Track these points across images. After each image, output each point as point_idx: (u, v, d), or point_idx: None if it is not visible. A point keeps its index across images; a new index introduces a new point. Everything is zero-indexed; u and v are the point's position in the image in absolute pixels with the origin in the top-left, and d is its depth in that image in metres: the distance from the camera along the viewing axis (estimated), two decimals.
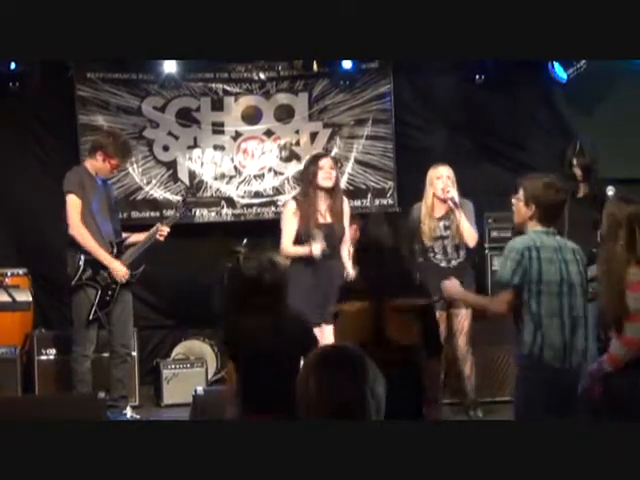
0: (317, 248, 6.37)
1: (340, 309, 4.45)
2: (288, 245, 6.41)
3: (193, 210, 7.99)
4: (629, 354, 4.51)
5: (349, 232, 8.16)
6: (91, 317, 6.65)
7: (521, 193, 4.73)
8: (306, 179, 6.53)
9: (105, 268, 6.68)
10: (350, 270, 6.74)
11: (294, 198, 6.70)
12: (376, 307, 4.32)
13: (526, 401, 4.61)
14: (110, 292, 6.72)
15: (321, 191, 6.47)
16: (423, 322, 4.43)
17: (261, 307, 4.52)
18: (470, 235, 6.71)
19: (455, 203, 6.64)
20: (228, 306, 4.67)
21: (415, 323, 4.38)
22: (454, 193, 6.64)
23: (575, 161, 6.97)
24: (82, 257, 6.63)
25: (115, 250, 6.75)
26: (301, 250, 6.37)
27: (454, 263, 6.75)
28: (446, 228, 6.74)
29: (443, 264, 6.74)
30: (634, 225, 4.57)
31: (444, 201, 6.71)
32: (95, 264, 6.65)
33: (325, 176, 6.44)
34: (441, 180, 6.70)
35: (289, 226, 6.44)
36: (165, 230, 6.89)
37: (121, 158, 6.85)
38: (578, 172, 6.95)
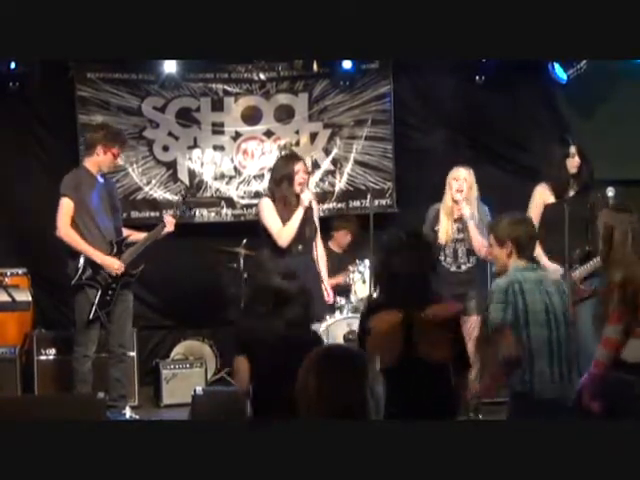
0: (307, 195, 6.42)
1: (372, 326, 4.33)
2: (281, 228, 6.41)
3: (193, 210, 7.99)
4: (609, 355, 4.54)
5: (339, 236, 8.17)
6: (91, 317, 6.66)
7: (492, 239, 4.81)
8: (280, 181, 6.52)
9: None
10: (325, 278, 6.76)
11: (266, 195, 6.71)
12: (407, 322, 4.25)
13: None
14: (110, 292, 6.73)
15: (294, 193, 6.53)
16: (452, 338, 4.38)
17: (280, 314, 4.53)
18: (479, 244, 6.63)
19: (466, 217, 6.62)
20: (246, 310, 4.69)
21: (445, 339, 4.34)
22: (466, 210, 6.62)
23: (570, 164, 6.95)
24: (82, 258, 6.66)
25: (115, 249, 6.77)
26: (294, 219, 6.37)
27: (464, 268, 6.73)
28: (459, 231, 6.73)
29: (453, 268, 6.72)
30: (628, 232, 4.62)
31: (457, 203, 6.71)
32: (95, 264, 6.67)
33: (300, 181, 6.46)
34: (458, 182, 6.68)
35: (272, 216, 6.47)
36: (172, 220, 6.92)
37: (120, 144, 6.91)
38: (572, 170, 6.93)
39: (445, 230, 6.71)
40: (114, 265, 6.71)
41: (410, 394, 3.74)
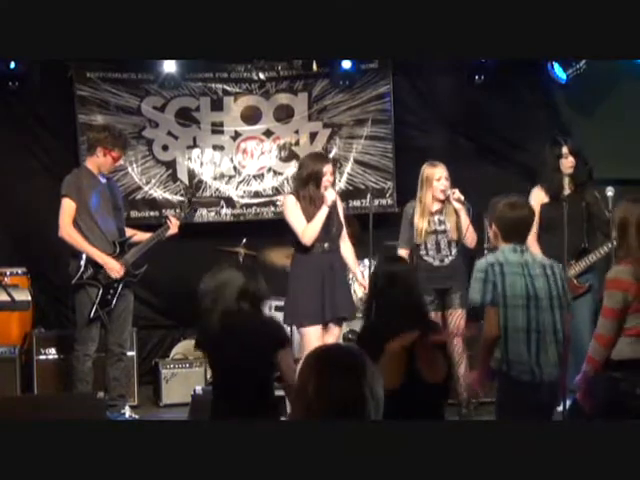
0: (330, 194, 6.39)
1: (387, 348, 4.30)
2: (305, 227, 6.40)
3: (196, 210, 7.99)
4: (602, 352, 4.54)
5: None
6: (92, 315, 6.67)
7: (487, 218, 4.85)
8: (307, 180, 6.50)
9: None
10: (356, 270, 6.77)
11: (292, 194, 6.69)
12: (412, 346, 4.24)
13: (504, 413, 4.65)
14: (112, 291, 6.74)
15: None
16: (444, 357, 4.41)
17: (232, 309, 4.55)
18: (472, 235, 6.72)
19: (462, 202, 6.63)
20: (200, 308, 4.69)
21: (441, 360, 4.35)
22: (459, 193, 6.65)
23: (564, 164, 6.96)
24: (83, 257, 6.67)
25: (118, 249, 6.78)
26: (318, 219, 6.36)
27: (447, 261, 6.75)
28: (440, 222, 6.76)
29: (436, 262, 6.74)
30: None
31: (440, 200, 6.73)
32: (96, 263, 6.68)
33: (326, 184, 6.45)
34: (441, 181, 6.71)
35: (296, 215, 6.44)
36: (175, 222, 6.94)
37: (121, 148, 6.88)
38: (567, 171, 6.95)
39: (423, 226, 6.73)
40: (115, 268, 6.71)
41: (409, 416, 3.76)
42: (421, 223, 6.74)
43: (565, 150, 6.92)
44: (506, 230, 4.72)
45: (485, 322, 4.70)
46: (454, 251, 6.77)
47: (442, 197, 6.71)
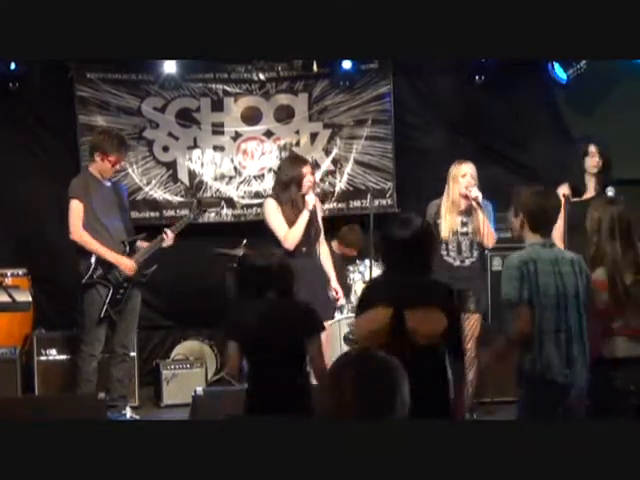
0: (312, 198, 6.48)
1: (357, 324, 4.30)
2: (287, 230, 6.46)
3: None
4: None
5: (346, 250, 8.18)
6: (102, 315, 6.68)
7: (511, 206, 4.78)
8: (288, 184, 6.54)
9: (116, 266, 6.70)
10: (332, 277, 6.79)
11: (271, 197, 6.71)
12: (398, 315, 4.13)
13: (531, 413, 4.58)
14: (122, 291, 6.75)
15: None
16: (447, 319, 4.21)
17: (268, 293, 4.56)
18: (490, 235, 6.66)
19: (479, 203, 6.61)
20: (237, 292, 4.71)
21: (439, 318, 4.19)
22: (478, 193, 6.62)
23: (589, 163, 6.91)
24: (93, 256, 6.67)
25: (128, 248, 6.79)
26: (300, 222, 6.42)
27: (467, 263, 6.70)
28: (463, 224, 6.71)
29: (456, 262, 6.70)
30: (614, 225, 4.64)
31: (466, 197, 6.69)
32: (106, 263, 6.69)
33: (308, 184, 6.51)
34: (466, 178, 6.68)
35: (278, 218, 6.51)
36: (170, 237, 6.92)
37: (117, 153, 6.82)
38: (592, 170, 6.90)
39: (449, 224, 6.69)
40: (128, 265, 6.72)
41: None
42: (448, 220, 6.69)
43: (592, 149, 6.89)
44: (534, 219, 4.62)
45: (518, 320, 4.53)
46: (475, 253, 6.72)
47: (465, 192, 6.67)
